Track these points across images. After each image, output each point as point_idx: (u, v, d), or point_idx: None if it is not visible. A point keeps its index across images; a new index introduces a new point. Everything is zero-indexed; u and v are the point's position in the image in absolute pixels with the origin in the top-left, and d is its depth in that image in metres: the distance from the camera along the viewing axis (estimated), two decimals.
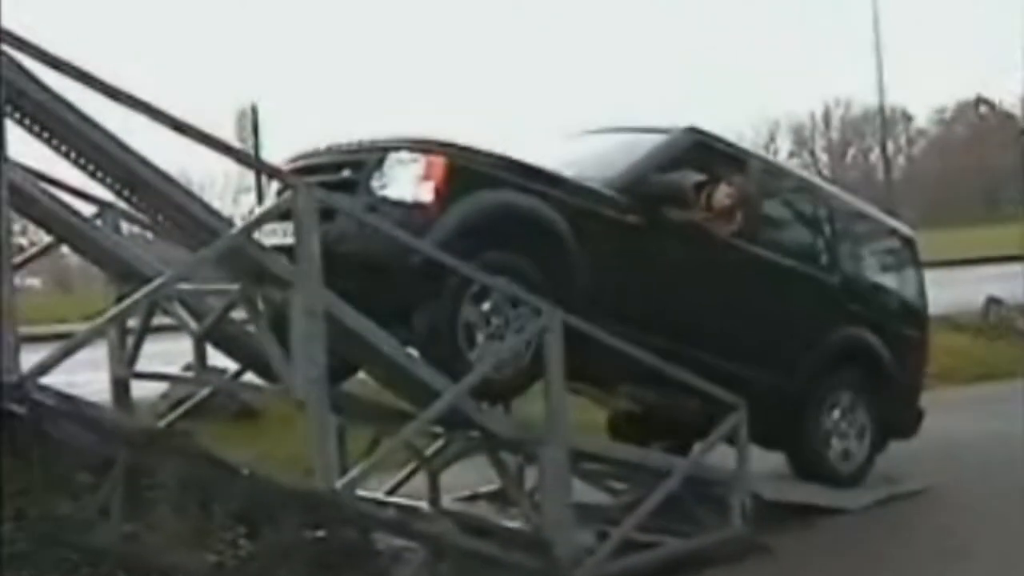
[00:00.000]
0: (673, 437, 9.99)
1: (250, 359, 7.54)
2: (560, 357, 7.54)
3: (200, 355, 7.57)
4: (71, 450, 6.41)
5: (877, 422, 10.35)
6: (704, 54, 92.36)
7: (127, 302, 6.62)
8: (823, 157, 73.37)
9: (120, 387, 7.76)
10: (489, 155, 7.80)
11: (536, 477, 8.01)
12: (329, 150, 7.89)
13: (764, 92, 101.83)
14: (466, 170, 7.56)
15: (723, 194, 9.13)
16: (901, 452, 10.82)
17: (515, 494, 8.23)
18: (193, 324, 7.23)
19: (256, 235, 6.79)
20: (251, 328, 7.13)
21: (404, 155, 7.49)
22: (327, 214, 6.97)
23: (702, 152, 9.28)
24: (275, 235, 7.04)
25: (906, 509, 9.74)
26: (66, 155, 6.80)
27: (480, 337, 7.49)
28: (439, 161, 7.46)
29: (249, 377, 7.94)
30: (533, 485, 8.24)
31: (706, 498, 8.69)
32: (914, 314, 11.13)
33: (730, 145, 9.72)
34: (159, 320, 7.50)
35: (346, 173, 7.60)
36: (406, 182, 7.42)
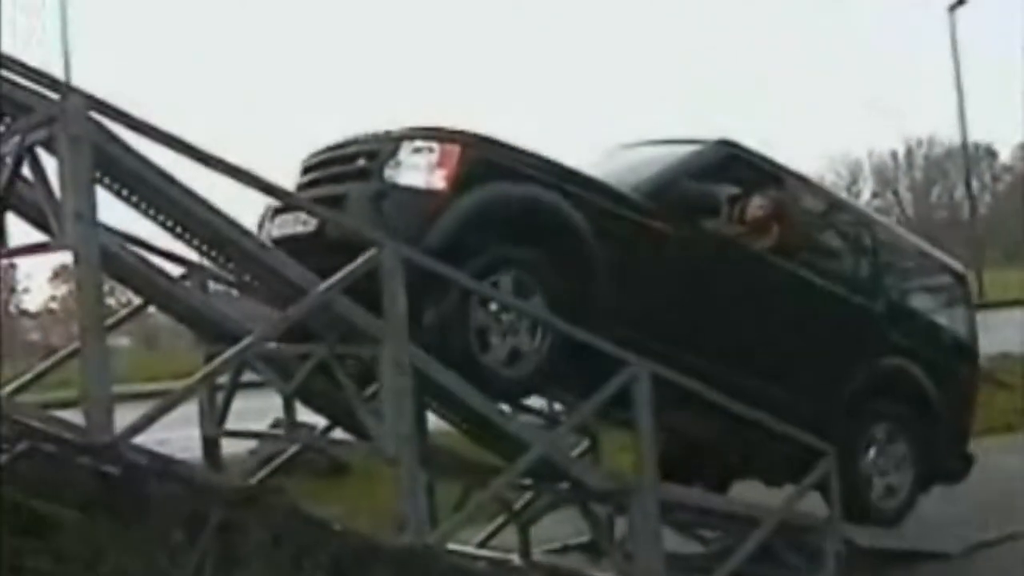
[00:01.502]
0: (709, 476, 9.76)
1: (339, 415, 7.56)
2: (649, 408, 7.50)
3: (289, 412, 7.60)
4: (164, 508, 6.45)
5: (921, 459, 9.86)
6: (776, 93, 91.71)
7: (216, 362, 6.66)
8: (907, 196, 72.68)
9: (211, 445, 7.82)
10: (508, 147, 7.58)
11: (627, 527, 7.95)
12: (347, 142, 7.77)
13: (843, 131, 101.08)
14: (482, 160, 7.39)
15: (756, 206, 8.88)
16: (972, 499, 10.60)
17: (606, 545, 8.20)
18: (282, 381, 7.27)
19: (268, 226, 6.89)
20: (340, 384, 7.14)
21: (419, 143, 7.34)
22: (336, 201, 7.02)
23: (735, 165, 9.00)
24: (287, 226, 7.10)
25: (1003, 553, 9.55)
26: (153, 217, 6.91)
27: (495, 339, 7.35)
28: (454, 150, 7.31)
29: (339, 433, 7.95)
30: (624, 535, 8.20)
31: (798, 546, 8.59)
32: (963, 352, 10.68)
33: (765, 160, 9.31)
34: (248, 376, 7.55)
35: (361, 162, 7.49)
36: (419, 169, 7.28)
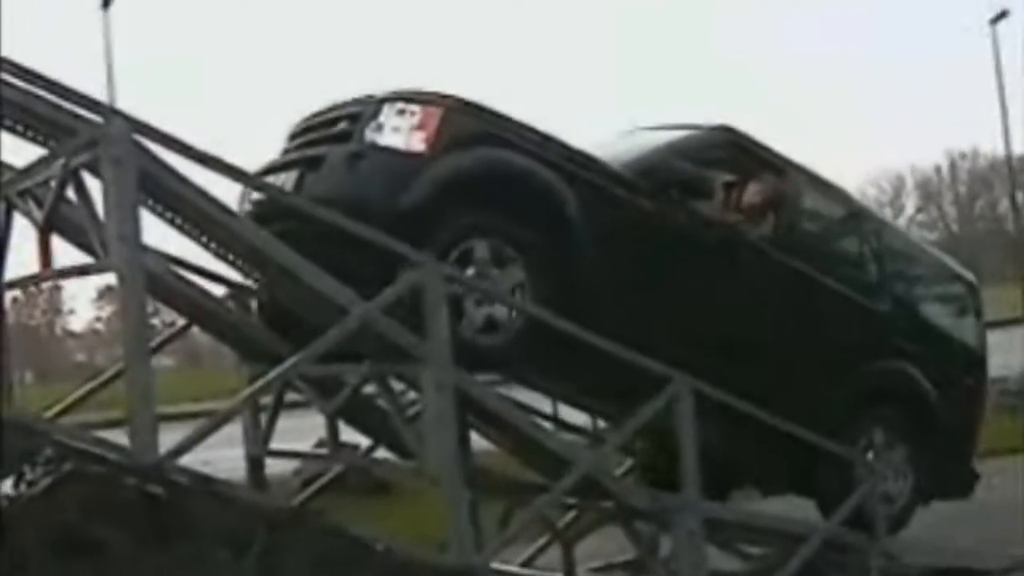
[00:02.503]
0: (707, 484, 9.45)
1: (382, 435, 7.57)
2: (692, 426, 7.47)
3: (332, 432, 7.63)
4: (209, 528, 6.47)
5: (921, 468, 9.34)
6: (817, 107, 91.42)
7: (260, 383, 6.69)
8: (951, 211, 72.28)
9: (255, 465, 7.84)
10: (493, 113, 7.37)
11: (671, 545, 7.93)
12: (331, 107, 7.59)
13: (885, 145, 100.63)
14: (464, 124, 7.21)
15: (752, 192, 8.58)
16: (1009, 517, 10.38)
17: (650, 563, 8.17)
18: (324, 401, 7.28)
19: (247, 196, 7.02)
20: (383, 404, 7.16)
21: (401, 105, 7.16)
22: (314, 163, 6.99)
23: (734, 151, 8.69)
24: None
25: None
26: (196, 237, 6.95)
27: (469, 306, 7.08)
28: (435, 112, 7.12)
29: (382, 452, 7.96)
30: (668, 553, 8.16)
31: (840, 563, 8.54)
32: (970, 362, 10.18)
33: (766, 149, 8.88)
34: (291, 395, 7.57)
35: (343, 125, 7.32)
36: (399, 131, 7.09)
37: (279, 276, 6.59)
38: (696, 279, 8.10)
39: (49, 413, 7.15)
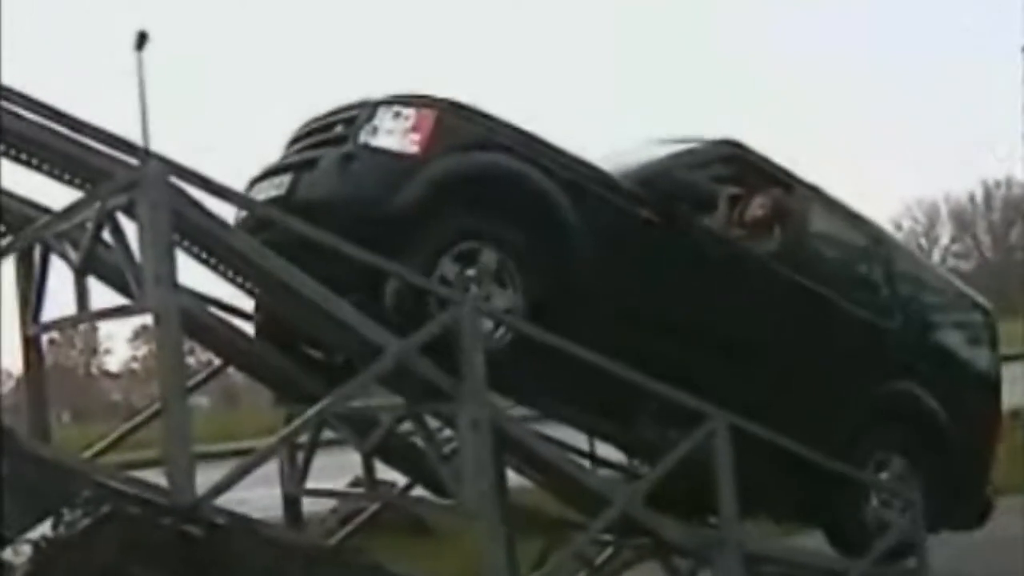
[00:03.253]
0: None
1: (419, 473, 7.57)
2: (730, 462, 7.44)
3: (369, 470, 7.63)
4: (247, 568, 6.48)
5: (930, 494, 8.85)
6: (848, 138, 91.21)
7: (297, 422, 6.70)
8: (985, 240, 71.96)
9: (292, 504, 7.85)
10: (489, 117, 7.25)
11: None
12: (330, 111, 7.49)
13: (919, 176, 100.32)
14: (459, 127, 7.10)
15: (756, 205, 8.38)
16: None
17: None
18: (360, 439, 7.29)
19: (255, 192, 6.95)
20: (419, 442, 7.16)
21: (396, 108, 7.07)
22: (309, 165, 6.93)
23: (739, 165, 8.52)
24: (261, 192, 7.03)
25: None
26: (231, 278, 6.99)
27: None
28: (430, 115, 7.02)
29: (419, 490, 7.96)
30: None
31: None
32: (984, 389, 9.82)
33: (773, 164, 8.64)
34: (327, 433, 7.59)
35: (339, 129, 7.24)
36: (393, 133, 6.99)
37: (312, 313, 6.60)
38: (696, 292, 7.92)
39: (87, 454, 7.19)
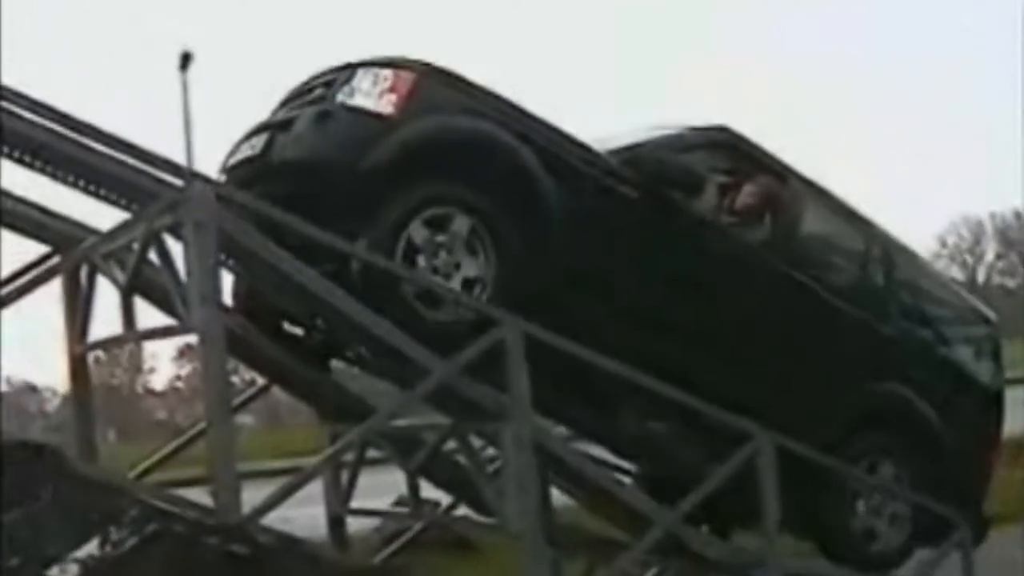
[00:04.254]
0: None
1: (463, 491, 7.57)
2: (773, 481, 7.41)
3: (413, 489, 7.63)
4: None
5: (922, 504, 8.65)
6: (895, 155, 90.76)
7: (342, 442, 6.73)
8: None
9: (336, 523, 7.87)
10: (470, 83, 7.06)
11: None
12: (313, 75, 7.34)
13: (964, 192, 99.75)
14: (437, 91, 6.93)
15: (746, 192, 8.08)
16: None
17: None
18: (405, 458, 7.30)
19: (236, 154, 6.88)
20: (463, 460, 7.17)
21: (376, 70, 6.93)
22: (285, 125, 6.85)
23: (731, 153, 8.22)
24: (240, 152, 6.97)
25: None
26: (275, 297, 7.00)
27: (421, 261, 6.73)
28: (408, 76, 6.86)
29: (463, 509, 7.96)
30: None
31: None
32: (985, 401, 9.47)
33: (768, 155, 8.35)
34: (371, 452, 7.60)
35: (319, 91, 7.08)
36: (370, 94, 6.85)
37: (354, 334, 6.62)
38: (676, 274, 7.66)
39: (133, 472, 7.23)
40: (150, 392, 64.88)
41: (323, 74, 7.15)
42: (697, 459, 7.89)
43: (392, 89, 6.80)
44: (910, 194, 73.77)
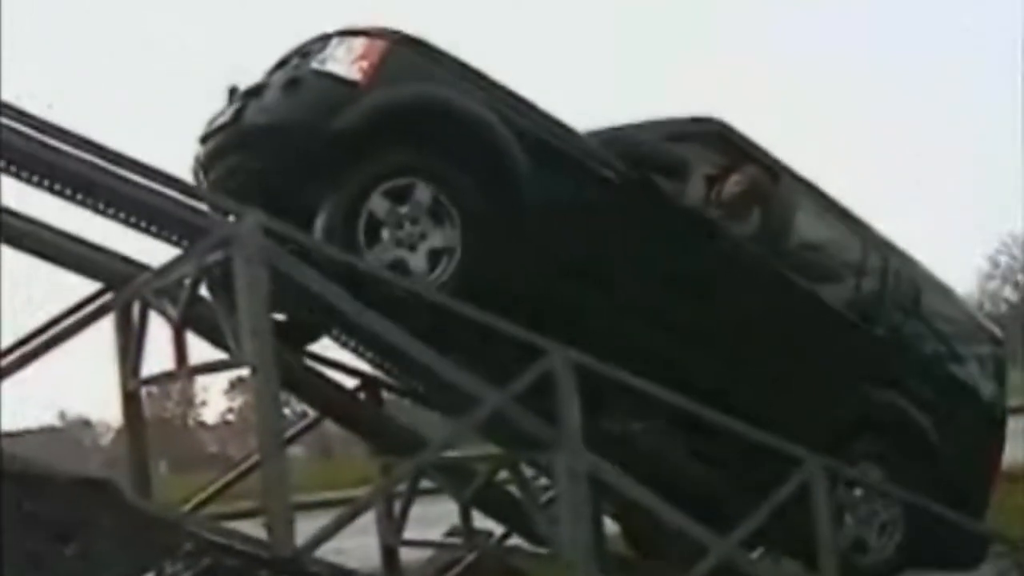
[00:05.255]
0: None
1: (516, 522, 7.56)
2: (828, 510, 7.37)
3: (466, 519, 7.63)
4: None
5: (913, 521, 8.22)
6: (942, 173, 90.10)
7: (394, 473, 6.74)
8: None
9: (389, 554, 7.87)
10: (445, 54, 6.94)
11: None
12: (292, 48, 7.22)
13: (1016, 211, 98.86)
14: (409, 59, 6.82)
15: (732, 182, 7.79)
16: None
17: None
18: (457, 489, 7.31)
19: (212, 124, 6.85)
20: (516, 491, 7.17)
21: (349, 38, 6.84)
22: (257, 91, 6.80)
23: (720, 145, 7.94)
24: (221, 117, 6.92)
25: None
26: (327, 330, 7.04)
27: (388, 238, 6.60)
28: (379, 44, 6.77)
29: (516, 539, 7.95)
30: None
31: None
32: (986, 419, 9.12)
33: (760, 149, 8.07)
34: (424, 483, 7.61)
35: (295, 60, 6.99)
36: (341, 60, 6.74)
37: (412, 369, 6.64)
38: (653, 260, 7.43)
39: (187, 506, 7.26)
40: (202, 425, 65.18)
41: (302, 45, 7.09)
42: (682, 459, 7.79)
43: (363, 56, 6.72)
44: (959, 214, 73.13)
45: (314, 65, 6.77)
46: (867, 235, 8.73)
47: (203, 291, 6.21)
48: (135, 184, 6.23)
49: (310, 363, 7.25)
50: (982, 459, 9.05)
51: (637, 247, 7.35)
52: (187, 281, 6.07)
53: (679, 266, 7.50)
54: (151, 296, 6.30)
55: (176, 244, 6.56)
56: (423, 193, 6.64)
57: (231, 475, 7.69)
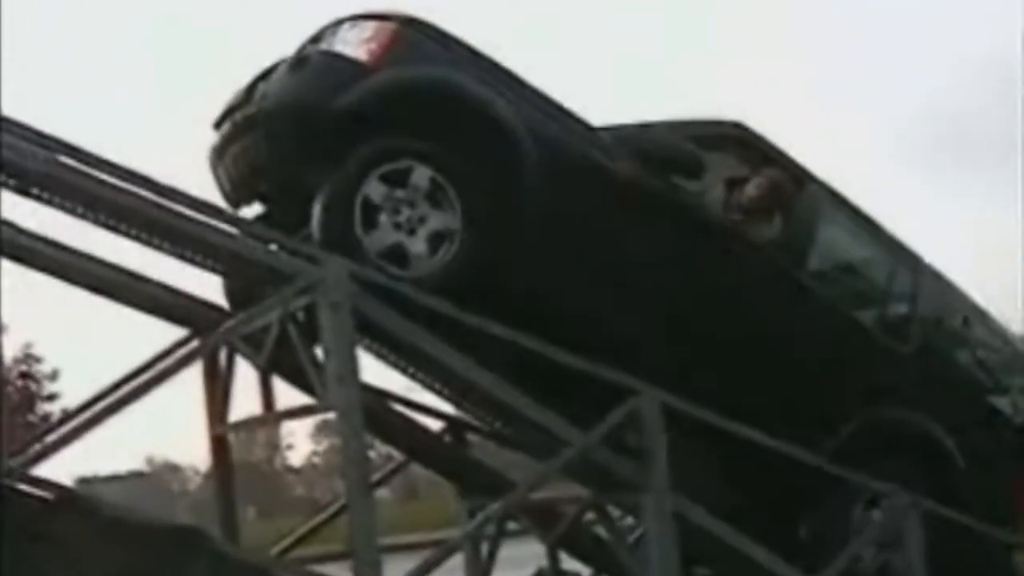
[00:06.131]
0: None
1: (604, 563, 7.52)
2: (921, 544, 7.27)
3: (554, 561, 7.60)
4: None
5: (936, 536, 7.66)
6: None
7: (481, 516, 6.74)
8: None
9: None
10: (454, 39, 6.87)
11: None
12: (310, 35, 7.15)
13: None
14: (419, 43, 6.77)
15: (752, 185, 7.57)
16: None
17: None
18: (544, 530, 7.29)
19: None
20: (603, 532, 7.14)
21: (360, 21, 6.80)
22: (267, 73, 6.79)
23: (740, 147, 7.75)
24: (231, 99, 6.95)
25: None
26: (412, 374, 7.05)
27: (386, 223, 6.50)
28: (388, 26, 6.73)
29: None
30: None
31: None
32: (1017, 438, 8.52)
33: (782, 154, 7.82)
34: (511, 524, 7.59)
35: (308, 47, 6.93)
36: (350, 41, 6.71)
37: (497, 410, 6.64)
38: (662, 259, 7.22)
39: (275, 549, 7.30)
40: (289, 469, 65.56)
41: (316, 32, 7.03)
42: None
43: (372, 38, 6.68)
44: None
45: (323, 46, 6.76)
46: (897, 249, 8.34)
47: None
48: (215, 229, 6.27)
49: (395, 406, 7.25)
50: (1011, 487, 8.43)
51: (646, 244, 7.17)
52: (272, 326, 6.10)
53: (687, 263, 7.28)
54: (237, 342, 6.35)
55: (260, 289, 6.60)
56: (421, 176, 6.55)
57: (318, 519, 7.73)
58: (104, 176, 6.06)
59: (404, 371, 7.02)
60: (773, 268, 7.56)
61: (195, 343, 6.55)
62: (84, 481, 31.90)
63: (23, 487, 5.71)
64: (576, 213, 6.94)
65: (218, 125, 7.03)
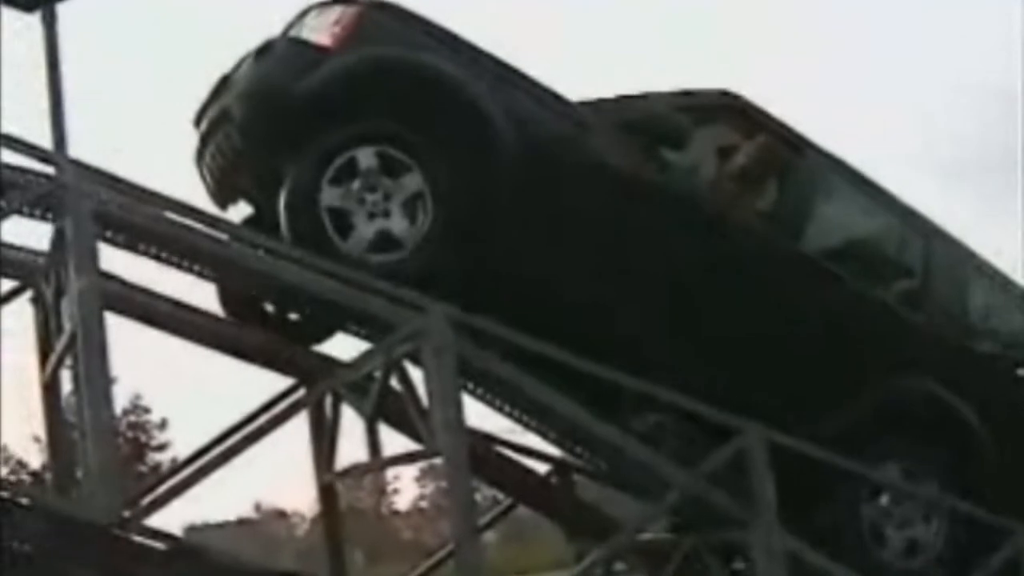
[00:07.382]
0: None
1: None
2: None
3: None
4: None
5: (962, 512, 7.34)
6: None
7: (589, 558, 6.73)
8: None
9: None
10: (426, 21, 6.75)
11: None
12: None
13: None
14: (386, 26, 6.69)
15: (743, 152, 7.24)
16: None
17: None
18: (653, 571, 7.25)
19: None
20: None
21: (326, 6, 6.74)
22: (240, 63, 6.71)
23: (733, 116, 7.41)
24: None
25: None
26: (517, 417, 7.08)
27: (360, 218, 6.41)
28: (353, 10, 6.65)
29: None
30: None
31: None
32: None
33: (778, 123, 7.44)
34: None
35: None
36: (315, 27, 6.65)
37: (602, 451, 6.64)
38: (644, 234, 6.94)
39: None
40: (395, 513, 65.69)
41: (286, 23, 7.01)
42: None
43: (336, 22, 6.61)
44: None
45: (292, 33, 6.75)
46: (907, 216, 7.90)
47: (393, 382, 6.28)
48: (320, 281, 6.32)
49: (501, 449, 7.28)
50: None
51: (627, 218, 6.93)
52: (377, 374, 6.15)
53: (672, 236, 7.02)
54: (343, 390, 6.41)
55: (363, 337, 6.66)
56: (366, 157, 6.45)
57: (426, 564, 7.76)
58: (195, 224, 6.21)
59: (504, 412, 7.05)
60: (760, 237, 7.27)
61: (301, 392, 6.63)
62: (193, 528, 32.18)
63: (136, 538, 5.80)
64: (548, 185, 6.75)
65: (197, 123, 7.03)
